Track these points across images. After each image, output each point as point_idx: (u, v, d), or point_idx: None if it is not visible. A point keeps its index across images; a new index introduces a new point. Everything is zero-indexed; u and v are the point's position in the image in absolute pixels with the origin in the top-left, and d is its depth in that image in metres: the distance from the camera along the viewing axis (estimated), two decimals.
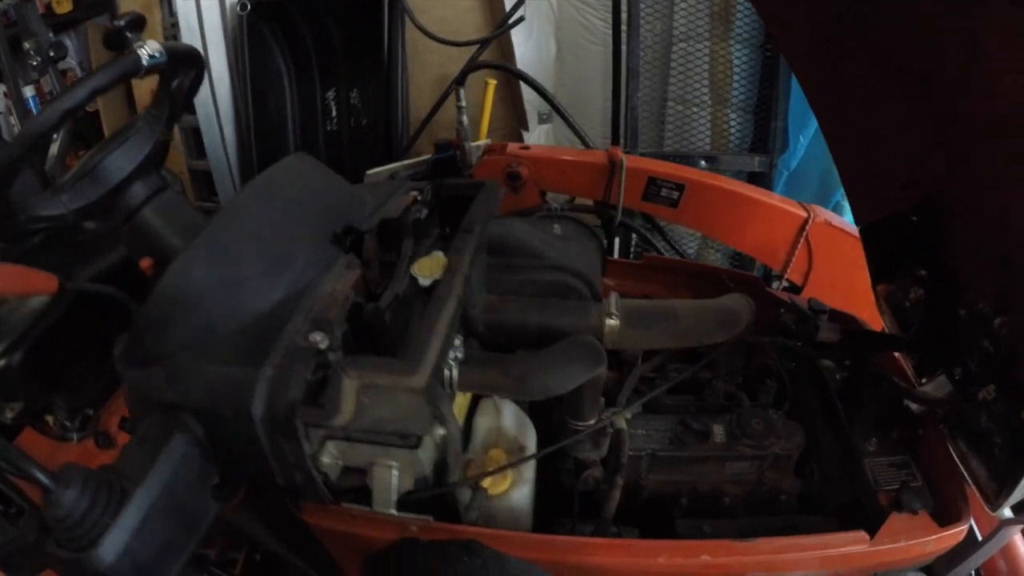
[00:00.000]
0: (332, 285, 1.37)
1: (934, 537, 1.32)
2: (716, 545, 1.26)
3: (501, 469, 1.34)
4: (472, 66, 2.53)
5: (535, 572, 1.08)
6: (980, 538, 1.43)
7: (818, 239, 2.27)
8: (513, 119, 4.14)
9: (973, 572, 2.03)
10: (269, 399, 1.15)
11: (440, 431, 1.22)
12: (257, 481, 1.27)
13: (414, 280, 1.45)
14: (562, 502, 1.51)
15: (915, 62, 1.41)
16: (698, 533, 1.41)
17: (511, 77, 3.95)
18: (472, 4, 3.93)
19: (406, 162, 2.48)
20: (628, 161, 2.20)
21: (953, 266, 1.55)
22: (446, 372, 1.28)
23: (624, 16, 3.24)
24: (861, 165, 1.72)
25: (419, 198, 1.66)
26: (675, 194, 2.23)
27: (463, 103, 2.40)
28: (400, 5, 3.59)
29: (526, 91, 4.05)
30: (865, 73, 1.54)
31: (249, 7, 3.82)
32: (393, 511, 1.23)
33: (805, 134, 3.24)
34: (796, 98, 3.30)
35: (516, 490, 1.37)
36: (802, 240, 2.25)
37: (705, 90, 3.45)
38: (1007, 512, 1.37)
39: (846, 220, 2.38)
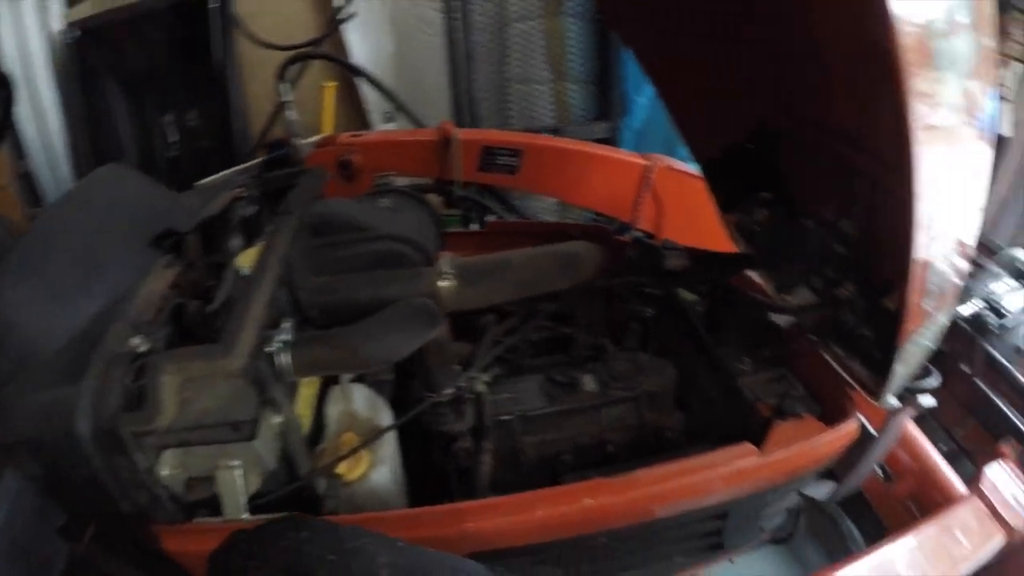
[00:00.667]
0: (150, 287, 1.30)
1: (825, 438, 1.34)
2: (594, 485, 1.23)
3: (353, 451, 1.29)
4: (291, 58, 2.45)
5: (371, 536, 1.03)
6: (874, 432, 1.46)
7: (663, 185, 2.32)
8: (356, 121, 4.03)
9: (878, 469, 2.13)
10: (93, 414, 1.05)
11: (275, 418, 1.15)
12: (104, 512, 1.16)
13: (239, 275, 1.38)
14: (443, 484, 1.47)
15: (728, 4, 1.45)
16: None
17: (351, 79, 3.87)
18: (301, 7, 3.80)
19: (237, 168, 2.36)
20: (461, 134, 2.18)
21: (794, 182, 1.63)
22: (278, 359, 1.20)
23: (458, 3, 3.24)
24: (692, 107, 1.76)
25: (244, 195, 1.58)
26: (513, 160, 2.23)
27: (288, 98, 2.31)
28: (228, 17, 3.44)
29: (369, 92, 3.95)
30: (683, 22, 1.57)
31: (78, 33, 3.56)
32: (246, 515, 1.14)
33: (644, 95, 3.33)
34: (632, 64, 3.34)
35: (376, 472, 1.32)
36: (647, 188, 2.30)
37: (544, 66, 3.48)
38: (893, 402, 1.40)
39: (691, 166, 2.42)
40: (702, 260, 1.66)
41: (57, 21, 3.55)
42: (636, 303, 1.75)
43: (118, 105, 3.86)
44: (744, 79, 1.56)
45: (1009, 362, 2.37)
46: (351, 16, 3.17)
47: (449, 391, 1.40)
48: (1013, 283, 2.70)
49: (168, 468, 1.12)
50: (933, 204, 1.09)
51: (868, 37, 1.06)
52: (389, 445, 1.37)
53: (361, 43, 3.82)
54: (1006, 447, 2.20)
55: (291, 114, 2.29)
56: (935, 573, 1.29)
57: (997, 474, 1.56)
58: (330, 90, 3.76)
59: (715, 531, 1.44)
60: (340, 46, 3.76)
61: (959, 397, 2.42)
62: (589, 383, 1.50)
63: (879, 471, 2.13)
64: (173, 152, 3.93)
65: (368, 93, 3.92)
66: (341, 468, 1.29)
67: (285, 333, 1.22)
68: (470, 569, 1.03)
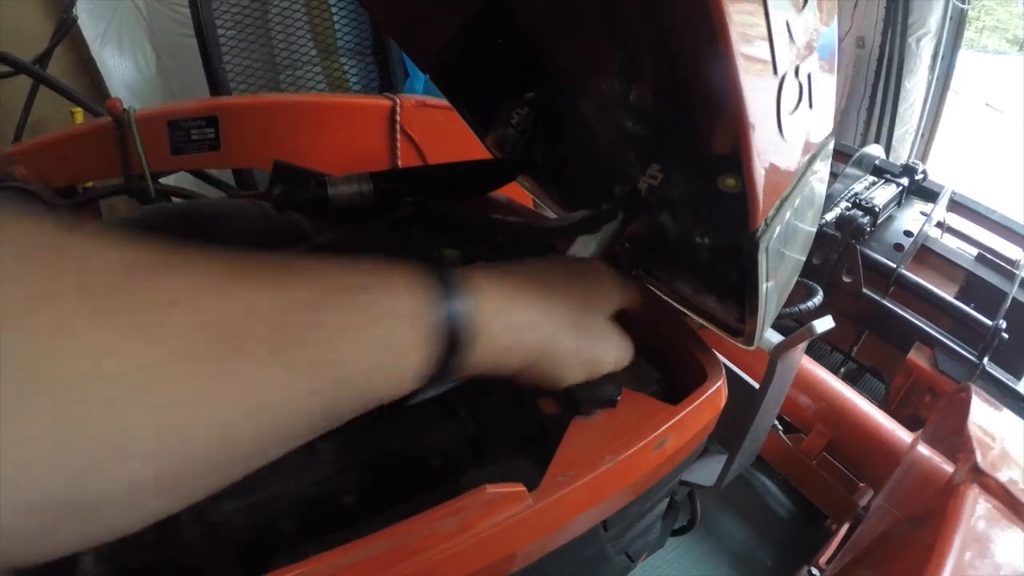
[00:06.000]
0: None
1: (666, 424, 0.77)
2: None
3: None
4: None
5: None
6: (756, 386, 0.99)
7: (417, 124, 1.82)
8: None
9: (778, 427, 1.72)
10: None
11: None
12: None
13: None
14: None
15: None
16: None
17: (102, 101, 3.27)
18: (41, 31, 3.18)
19: None
20: (139, 113, 1.57)
21: (554, 58, 1.12)
22: None
23: None
24: (399, 16, 1.24)
25: None
26: (210, 132, 1.64)
27: None
28: None
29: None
30: None
31: None
32: None
33: None
34: None
35: None
36: (398, 132, 1.78)
37: (309, 44, 3.02)
38: (773, 338, 0.97)
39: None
40: (393, 180, 1.05)
41: None
42: None
43: None
44: None
45: (891, 261, 2.07)
46: (74, 20, 2.58)
47: None
48: (875, 179, 2.52)
49: None
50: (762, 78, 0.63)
51: None
52: None
53: (117, 60, 3.37)
54: (915, 356, 1.87)
55: None
56: None
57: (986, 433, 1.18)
58: (79, 116, 3.15)
59: None
60: (96, 72, 3.29)
61: (846, 312, 2.09)
62: None
63: (779, 427, 1.74)
64: None
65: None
66: None
67: None
68: None
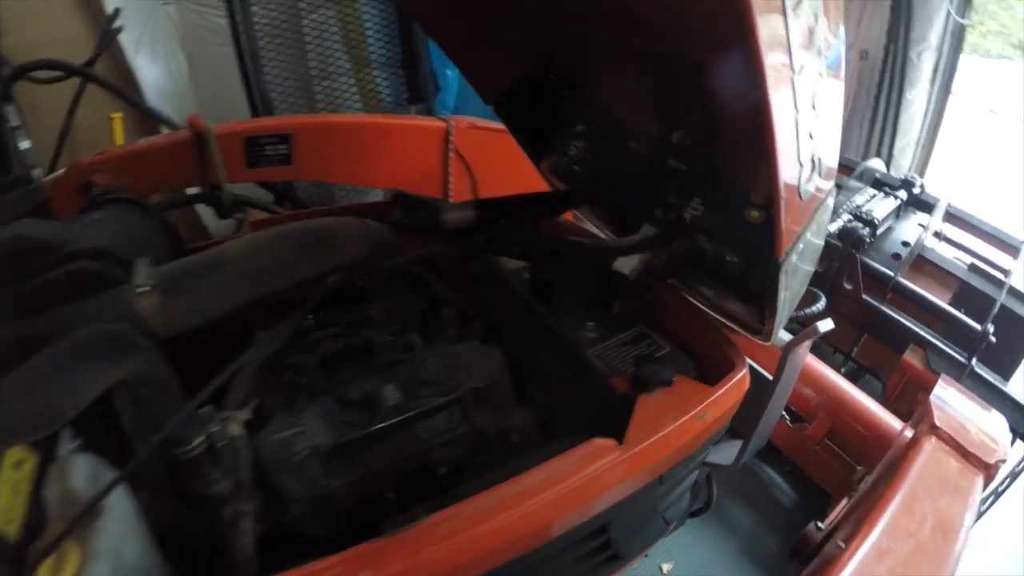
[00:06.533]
0: None
1: (706, 402, 1.05)
2: (371, 552, 0.86)
3: (52, 547, 0.86)
4: (17, 70, 1.96)
5: None
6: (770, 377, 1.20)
7: (469, 147, 2.00)
8: None
9: (786, 416, 1.91)
10: None
11: None
12: None
13: None
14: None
15: None
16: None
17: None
18: (75, 35, 3.31)
19: None
20: (216, 128, 1.76)
21: (606, 104, 1.36)
22: None
23: (237, 3, 2.87)
24: (469, 41, 1.46)
25: None
26: (283, 148, 1.82)
27: (15, 123, 1.84)
28: None
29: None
30: None
31: None
32: None
33: (452, 70, 3.06)
34: None
35: (88, 571, 0.89)
36: (451, 153, 1.96)
37: (343, 57, 3.16)
38: (785, 336, 1.17)
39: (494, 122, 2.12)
40: (490, 208, 1.32)
41: None
42: (440, 284, 1.39)
43: None
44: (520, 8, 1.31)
45: (889, 270, 2.24)
46: (119, 29, 2.72)
47: (198, 440, 0.98)
48: (875, 192, 2.68)
49: None
50: (790, 96, 0.84)
51: None
52: (109, 532, 0.94)
53: (151, 67, 3.46)
54: (910, 357, 2.05)
55: (24, 143, 1.82)
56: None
57: (941, 405, 1.48)
58: (117, 121, 3.29)
59: (602, 545, 1.10)
60: (128, 75, 3.38)
61: (847, 316, 2.29)
62: (392, 395, 1.12)
63: (786, 416, 1.93)
64: None
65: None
66: (42, 572, 0.86)
67: None
68: None
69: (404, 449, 1.10)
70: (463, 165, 2.00)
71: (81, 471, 0.99)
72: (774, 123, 0.79)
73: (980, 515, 1.65)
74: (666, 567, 1.95)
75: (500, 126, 2.01)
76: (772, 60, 0.77)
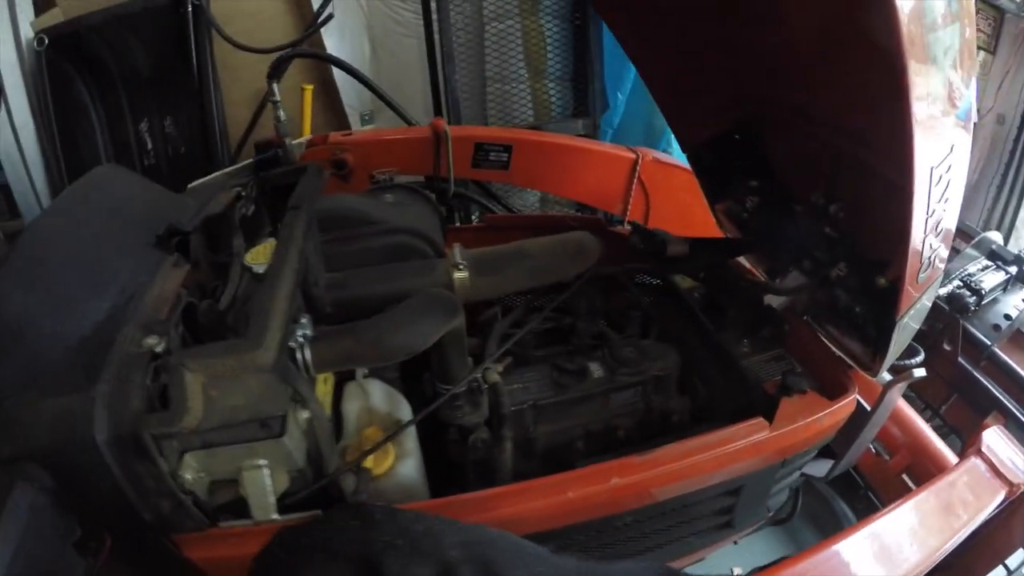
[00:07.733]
0: (160, 287, 1.23)
1: (827, 411, 1.40)
2: (620, 464, 1.25)
3: (380, 444, 1.28)
4: (285, 56, 2.41)
5: (434, 519, 1.03)
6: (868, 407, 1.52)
7: (651, 177, 2.37)
8: (334, 124, 4.02)
9: (873, 448, 2.20)
10: (111, 419, 0.98)
11: (303, 414, 1.11)
12: (123, 523, 1.07)
13: (251, 273, 1.37)
14: (459, 479, 1.47)
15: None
16: None
17: (328, 82, 3.86)
18: (277, 11, 3.79)
19: (228, 169, 2.32)
20: (452, 131, 2.20)
21: (781, 170, 1.70)
22: (299, 354, 1.17)
23: (433, 4, 3.24)
24: (679, 97, 1.82)
25: (243, 194, 1.57)
26: (504, 156, 2.26)
27: (277, 98, 2.29)
28: (205, 21, 3.37)
29: (345, 94, 3.96)
30: (669, 14, 1.62)
31: (47, 42, 3.38)
32: (275, 516, 1.09)
33: (623, 92, 3.40)
34: (610, 61, 3.45)
35: (402, 464, 1.33)
36: (635, 181, 2.34)
37: (521, 65, 3.51)
38: (887, 376, 1.49)
39: (675, 157, 2.49)
40: (699, 246, 1.71)
41: (27, 29, 3.43)
42: (635, 291, 1.79)
43: (92, 113, 3.71)
44: (726, 67, 1.62)
45: (988, 339, 2.47)
46: (330, 16, 3.15)
47: (464, 383, 1.41)
48: (988, 263, 2.84)
49: (191, 472, 1.05)
50: (926, 193, 1.14)
51: (859, 29, 1.10)
52: (412, 438, 1.38)
53: (339, 46, 3.81)
54: (991, 421, 2.30)
55: (280, 114, 2.26)
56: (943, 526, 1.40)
57: (993, 437, 1.67)
58: (308, 92, 3.76)
59: (728, 508, 1.49)
60: (319, 48, 3.72)
61: (942, 375, 2.51)
62: (597, 370, 1.52)
63: (873, 448, 2.23)
64: (150, 160, 3.81)
65: (346, 95, 3.92)
66: (368, 463, 1.28)
67: (305, 328, 1.20)
68: (530, 547, 1.05)
69: (597, 412, 1.52)
70: (642, 192, 2.39)
71: (378, 392, 1.44)
72: (913, 211, 1.11)
73: None
74: (737, 570, 2.24)
75: (678, 163, 2.39)
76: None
